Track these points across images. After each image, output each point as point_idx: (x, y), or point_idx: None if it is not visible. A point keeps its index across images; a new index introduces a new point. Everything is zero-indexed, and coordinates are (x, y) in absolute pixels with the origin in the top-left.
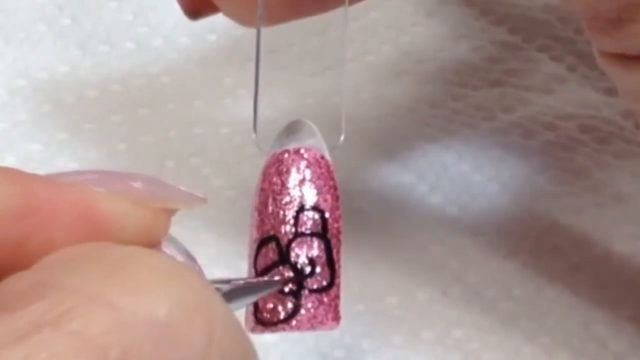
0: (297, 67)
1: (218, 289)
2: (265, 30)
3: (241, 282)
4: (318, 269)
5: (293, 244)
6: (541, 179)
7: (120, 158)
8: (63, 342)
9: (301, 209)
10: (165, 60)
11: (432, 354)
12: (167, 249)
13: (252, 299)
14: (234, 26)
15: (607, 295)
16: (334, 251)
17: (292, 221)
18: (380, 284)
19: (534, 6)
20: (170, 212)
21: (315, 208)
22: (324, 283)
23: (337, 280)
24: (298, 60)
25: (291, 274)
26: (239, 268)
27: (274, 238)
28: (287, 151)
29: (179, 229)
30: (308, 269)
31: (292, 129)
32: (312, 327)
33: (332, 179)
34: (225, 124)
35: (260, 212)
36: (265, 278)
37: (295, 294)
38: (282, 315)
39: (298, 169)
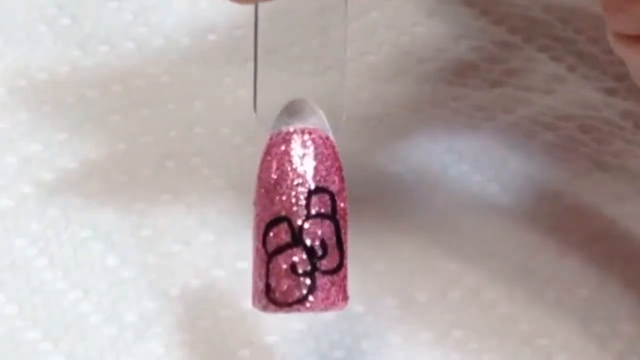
0: (297, 67)
1: None
2: (265, 30)
3: None
4: (329, 251)
5: (305, 225)
6: (541, 180)
7: (120, 158)
8: None
9: (312, 190)
10: (165, 60)
11: (432, 355)
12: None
13: None
14: (234, 26)
15: (607, 295)
16: (342, 232)
17: (304, 203)
18: (379, 285)
19: (534, 6)
20: None
21: (325, 190)
22: (335, 264)
23: (345, 262)
24: (298, 60)
25: (304, 256)
26: (239, 268)
27: (286, 219)
28: (294, 131)
29: (178, 228)
30: (320, 251)
31: (294, 108)
32: (325, 308)
33: (338, 159)
34: (225, 124)
35: (268, 192)
36: None
37: (310, 276)
38: (296, 296)
39: (306, 150)
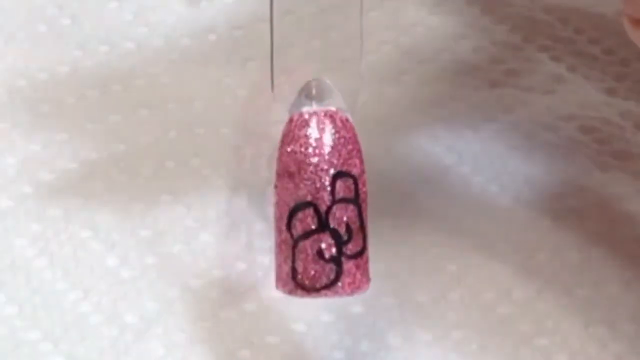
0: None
1: None
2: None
3: None
4: (353, 235)
5: (332, 210)
6: (541, 180)
7: (120, 158)
8: None
9: (337, 175)
10: (165, 60)
11: (431, 356)
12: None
13: None
14: (234, 26)
15: (607, 295)
16: (364, 215)
17: (329, 188)
18: (379, 286)
19: (534, 6)
20: None
21: (348, 174)
22: (359, 248)
23: (367, 244)
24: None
25: (331, 241)
26: (239, 268)
27: (311, 204)
28: (315, 113)
29: (178, 229)
30: (345, 236)
31: (312, 88)
32: (351, 293)
33: (357, 141)
34: (225, 124)
35: (291, 176)
36: None
37: (337, 261)
38: (324, 282)
39: (329, 133)
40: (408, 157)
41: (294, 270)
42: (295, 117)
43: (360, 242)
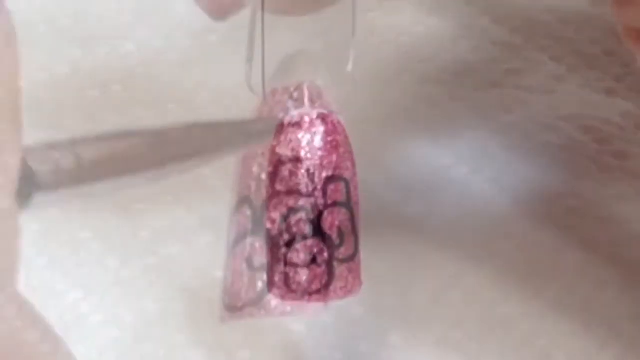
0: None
1: None
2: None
3: None
4: (345, 239)
5: (324, 214)
6: (541, 180)
7: None
8: None
9: (328, 179)
10: (166, 60)
11: (431, 356)
12: None
13: None
14: (234, 26)
15: (607, 295)
16: (356, 218)
17: (321, 192)
18: (378, 286)
19: (534, 6)
20: None
21: (340, 177)
22: (351, 252)
23: (359, 247)
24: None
25: (323, 246)
26: None
27: (304, 209)
28: (307, 116)
29: (178, 229)
30: (337, 241)
31: (305, 92)
32: (343, 297)
33: (349, 143)
34: None
35: (283, 180)
36: None
37: (329, 265)
38: (316, 287)
39: (320, 136)
40: (408, 157)
41: (285, 275)
42: (287, 120)
43: (352, 245)
